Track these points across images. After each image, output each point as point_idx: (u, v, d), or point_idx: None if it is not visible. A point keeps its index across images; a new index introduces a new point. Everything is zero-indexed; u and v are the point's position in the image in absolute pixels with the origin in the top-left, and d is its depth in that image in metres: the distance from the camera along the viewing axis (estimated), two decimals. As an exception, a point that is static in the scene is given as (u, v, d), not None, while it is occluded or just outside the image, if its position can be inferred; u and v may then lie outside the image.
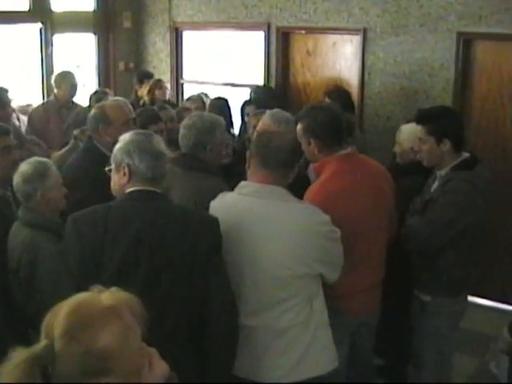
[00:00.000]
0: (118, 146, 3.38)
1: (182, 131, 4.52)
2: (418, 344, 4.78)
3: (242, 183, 3.74)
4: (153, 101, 7.98)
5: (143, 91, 8.39)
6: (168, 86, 8.68)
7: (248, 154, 3.75)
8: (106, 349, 1.81)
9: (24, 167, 4.12)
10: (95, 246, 3.15)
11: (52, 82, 7.73)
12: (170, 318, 3.22)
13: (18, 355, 1.78)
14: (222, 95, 8.08)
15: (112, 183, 3.44)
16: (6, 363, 1.76)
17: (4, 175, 4.39)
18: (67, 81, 7.53)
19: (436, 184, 4.53)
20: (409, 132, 5.14)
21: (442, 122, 4.44)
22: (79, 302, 1.87)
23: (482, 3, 6.87)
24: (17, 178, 4.10)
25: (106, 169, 3.47)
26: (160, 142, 3.44)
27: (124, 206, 3.27)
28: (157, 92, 8.24)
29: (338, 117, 4.34)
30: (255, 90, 8.01)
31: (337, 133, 4.20)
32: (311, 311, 3.66)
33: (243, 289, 3.56)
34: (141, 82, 8.60)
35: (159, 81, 8.52)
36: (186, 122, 4.58)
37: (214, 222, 3.37)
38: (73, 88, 7.57)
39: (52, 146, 6.33)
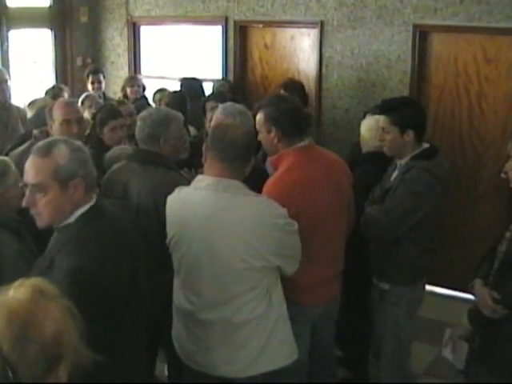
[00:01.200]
0: (59, 159, 2.95)
1: (138, 123, 4.53)
2: (377, 333, 4.84)
3: (199, 177, 3.75)
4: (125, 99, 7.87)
5: (89, 86, 8.33)
6: (141, 83, 8.57)
7: (204, 147, 3.75)
8: (55, 333, 1.88)
9: None
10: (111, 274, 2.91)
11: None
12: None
13: None
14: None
15: (55, 206, 2.98)
16: None
17: None
18: None
19: (396, 173, 4.58)
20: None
21: (406, 112, 4.49)
22: (9, 308, 1.88)
23: (437, -4, 6.95)
24: None
25: (26, 204, 3.03)
26: None
27: (108, 225, 3.07)
28: (129, 90, 8.19)
29: (300, 108, 4.37)
30: (216, 84, 8.05)
31: (298, 124, 4.22)
32: (270, 304, 3.68)
33: (201, 282, 3.58)
34: (87, 78, 8.49)
35: (131, 78, 8.52)
36: (142, 114, 4.59)
37: None
38: (1, 84, 7.15)
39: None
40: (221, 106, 5.01)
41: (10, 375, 1.80)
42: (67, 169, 2.94)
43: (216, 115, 4.90)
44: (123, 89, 8.28)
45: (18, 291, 1.93)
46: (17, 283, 1.96)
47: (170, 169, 4.42)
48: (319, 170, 4.23)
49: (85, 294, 2.58)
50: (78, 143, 3.10)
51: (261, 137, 4.21)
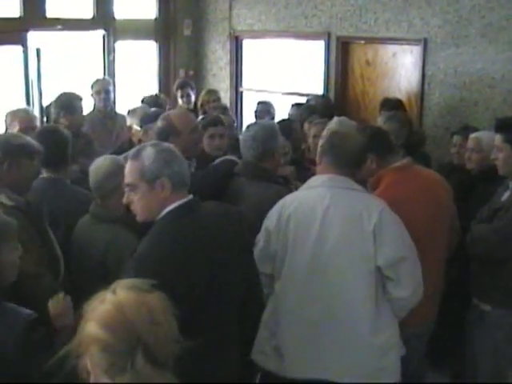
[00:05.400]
0: (145, 160, 3.15)
1: (246, 142, 4.56)
2: (474, 355, 4.75)
3: (312, 178, 3.88)
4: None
5: (179, 101, 8.41)
6: (219, 94, 8.53)
7: (319, 151, 3.85)
8: (166, 319, 2.09)
9: (104, 163, 4.16)
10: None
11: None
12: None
13: None
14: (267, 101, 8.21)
15: (144, 204, 3.19)
16: None
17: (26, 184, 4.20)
18: (98, 88, 7.34)
19: (508, 193, 4.54)
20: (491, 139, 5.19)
21: None
22: (125, 303, 2.06)
23: (545, 14, 6.82)
24: (97, 175, 4.12)
25: (125, 201, 3.26)
26: None
27: (190, 223, 3.18)
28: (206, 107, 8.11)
29: (379, 128, 4.41)
30: (315, 99, 8.02)
31: (385, 142, 4.27)
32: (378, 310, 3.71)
33: (320, 282, 3.65)
34: (176, 92, 8.58)
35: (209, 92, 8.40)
36: (247, 132, 4.62)
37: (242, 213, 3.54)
38: (105, 95, 7.32)
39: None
40: (337, 119, 4.94)
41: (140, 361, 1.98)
42: (152, 169, 3.13)
43: (330, 127, 4.87)
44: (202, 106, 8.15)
45: (117, 292, 2.08)
46: (111, 287, 2.11)
47: (276, 183, 4.48)
48: (417, 189, 4.24)
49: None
50: (167, 145, 3.32)
51: None
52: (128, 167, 3.24)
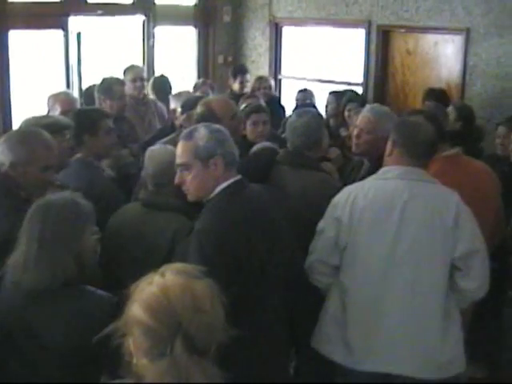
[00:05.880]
0: (199, 140, 3.27)
1: (297, 130, 4.50)
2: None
3: (384, 169, 3.79)
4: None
5: (235, 86, 8.38)
6: (270, 82, 8.41)
7: (391, 141, 3.79)
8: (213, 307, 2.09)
9: (165, 152, 4.12)
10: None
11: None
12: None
13: None
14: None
15: (198, 183, 3.31)
16: None
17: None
18: (133, 76, 7.16)
19: None
20: None
21: None
22: (171, 288, 2.07)
23: None
24: (160, 164, 4.04)
25: (177, 181, 3.37)
26: None
27: (244, 199, 3.32)
28: (257, 93, 8.10)
29: (432, 114, 4.39)
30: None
31: (437, 129, 4.23)
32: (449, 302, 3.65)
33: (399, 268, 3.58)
34: (234, 77, 8.57)
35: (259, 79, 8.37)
36: (299, 120, 4.55)
37: None
38: (140, 83, 7.15)
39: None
40: (368, 106, 4.96)
41: (179, 348, 1.98)
42: (206, 148, 3.26)
43: (363, 114, 4.78)
44: (252, 91, 8.11)
45: (165, 276, 2.10)
46: (161, 269, 2.13)
47: (319, 170, 4.47)
48: (464, 178, 4.20)
49: (206, 253, 3.06)
50: (218, 126, 3.44)
51: None
52: (181, 147, 3.35)
